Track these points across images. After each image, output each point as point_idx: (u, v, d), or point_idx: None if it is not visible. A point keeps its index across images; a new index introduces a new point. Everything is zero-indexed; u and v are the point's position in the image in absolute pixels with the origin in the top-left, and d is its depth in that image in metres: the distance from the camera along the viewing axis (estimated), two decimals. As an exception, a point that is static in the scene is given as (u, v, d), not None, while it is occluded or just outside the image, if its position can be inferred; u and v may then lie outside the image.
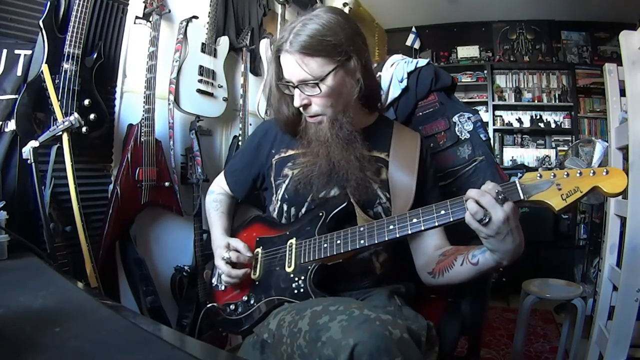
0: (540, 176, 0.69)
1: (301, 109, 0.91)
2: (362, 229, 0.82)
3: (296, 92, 0.88)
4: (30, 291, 0.74)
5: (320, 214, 0.91)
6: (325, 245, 0.84)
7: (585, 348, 1.72)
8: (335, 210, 0.90)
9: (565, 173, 0.68)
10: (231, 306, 0.94)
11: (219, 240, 1.00)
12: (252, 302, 0.92)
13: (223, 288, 1.00)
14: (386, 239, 0.79)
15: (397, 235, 0.78)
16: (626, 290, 1.46)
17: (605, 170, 0.66)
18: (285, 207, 0.97)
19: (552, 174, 0.69)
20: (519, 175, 0.71)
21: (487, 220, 0.67)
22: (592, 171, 0.67)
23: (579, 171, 0.68)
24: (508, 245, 0.70)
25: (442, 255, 0.87)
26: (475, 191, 0.69)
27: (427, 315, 0.87)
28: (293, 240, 0.91)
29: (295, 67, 0.85)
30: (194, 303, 1.65)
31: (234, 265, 0.93)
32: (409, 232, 0.77)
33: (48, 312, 0.65)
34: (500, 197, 0.67)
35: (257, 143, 1.06)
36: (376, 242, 0.80)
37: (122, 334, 0.59)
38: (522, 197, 0.69)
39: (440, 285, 0.88)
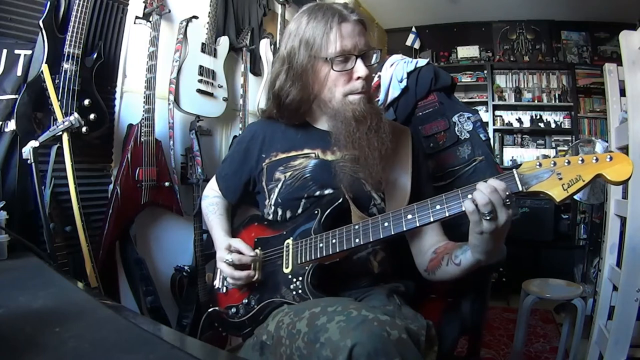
0: (540, 165, 0.66)
1: (359, 83, 0.89)
2: (356, 227, 0.81)
3: (359, 61, 0.89)
4: (30, 291, 0.74)
5: (316, 212, 0.90)
6: (321, 245, 0.84)
7: (585, 348, 1.72)
8: (331, 207, 0.89)
9: (566, 161, 0.65)
10: (232, 309, 0.94)
11: (220, 242, 0.99)
12: (252, 304, 0.91)
13: (225, 291, 0.99)
14: (381, 236, 0.77)
15: (392, 233, 0.76)
16: (626, 290, 1.46)
17: (608, 156, 0.62)
18: (280, 212, 0.96)
19: (552, 162, 0.65)
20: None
21: (489, 218, 0.66)
22: (594, 157, 0.63)
23: (580, 158, 0.64)
24: (495, 246, 0.71)
25: (434, 253, 0.88)
26: (485, 186, 0.66)
27: (427, 314, 0.86)
28: (290, 241, 0.90)
29: (363, 34, 0.90)
30: (194, 303, 1.65)
31: (236, 267, 0.92)
32: (404, 229, 0.75)
33: (48, 312, 0.65)
34: (507, 201, 0.65)
35: (244, 147, 1.04)
36: (371, 240, 0.79)
37: (122, 334, 0.59)
38: (520, 189, 0.66)
39: (436, 282, 0.90)
